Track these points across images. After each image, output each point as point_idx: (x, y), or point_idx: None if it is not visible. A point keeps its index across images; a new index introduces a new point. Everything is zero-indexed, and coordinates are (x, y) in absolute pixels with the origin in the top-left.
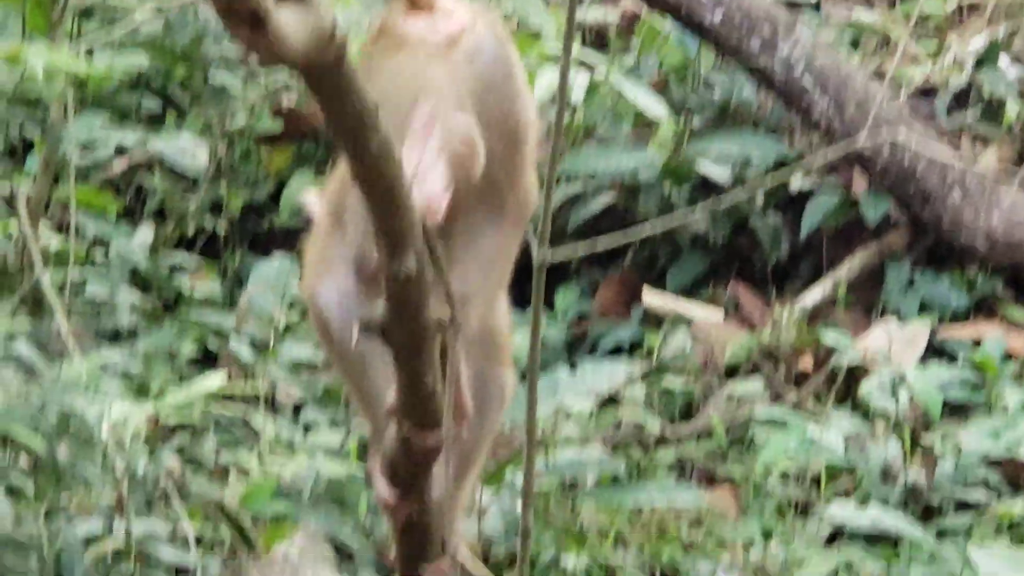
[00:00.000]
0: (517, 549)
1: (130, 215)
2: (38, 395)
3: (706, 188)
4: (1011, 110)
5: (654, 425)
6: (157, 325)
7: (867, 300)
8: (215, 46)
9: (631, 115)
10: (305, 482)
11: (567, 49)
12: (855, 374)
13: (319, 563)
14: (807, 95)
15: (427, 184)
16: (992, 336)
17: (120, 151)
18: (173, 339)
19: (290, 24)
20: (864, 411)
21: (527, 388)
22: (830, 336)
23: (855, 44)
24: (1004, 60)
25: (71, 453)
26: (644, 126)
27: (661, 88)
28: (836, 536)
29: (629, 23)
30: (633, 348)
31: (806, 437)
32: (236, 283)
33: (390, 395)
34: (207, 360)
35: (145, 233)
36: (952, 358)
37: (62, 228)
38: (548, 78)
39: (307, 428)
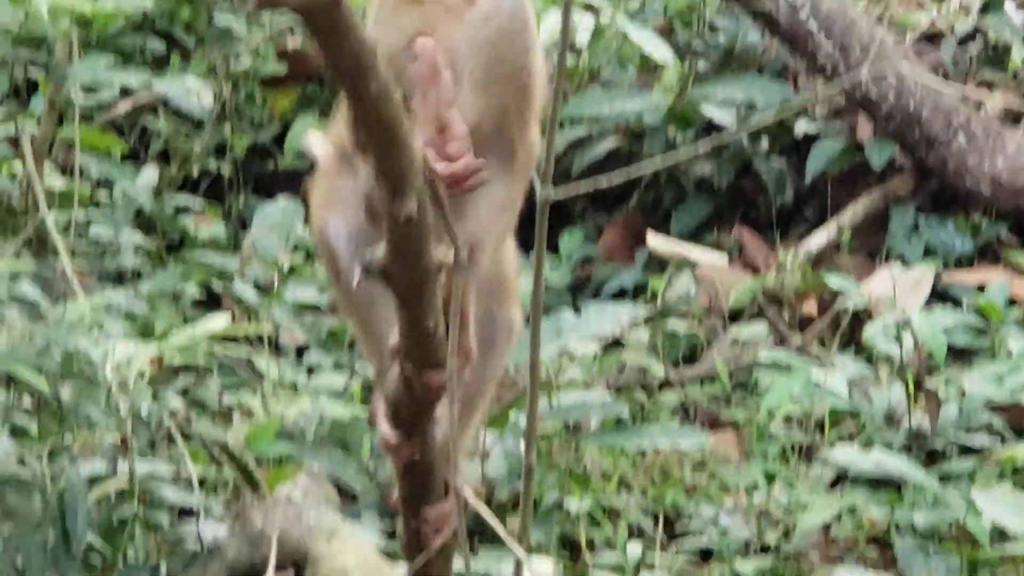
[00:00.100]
0: (520, 491)
1: (134, 157)
2: (42, 335)
3: (711, 132)
4: (1016, 55)
5: (658, 369)
6: (161, 267)
7: (871, 245)
8: None
9: (636, 59)
10: (309, 424)
11: None
12: (859, 318)
13: (322, 504)
14: (812, 39)
15: (449, 138)
16: (996, 281)
17: (124, 92)
18: (177, 281)
19: None
20: (868, 355)
21: (530, 330)
22: (835, 279)
23: None
24: (1010, 5)
25: (75, 393)
26: (649, 70)
27: (666, 32)
28: (839, 480)
29: None
30: (637, 292)
31: (810, 381)
32: (240, 225)
33: (393, 336)
34: (211, 302)
35: (149, 175)
36: (956, 303)
37: (66, 169)
38: (553, 21)
39: (311, 370)
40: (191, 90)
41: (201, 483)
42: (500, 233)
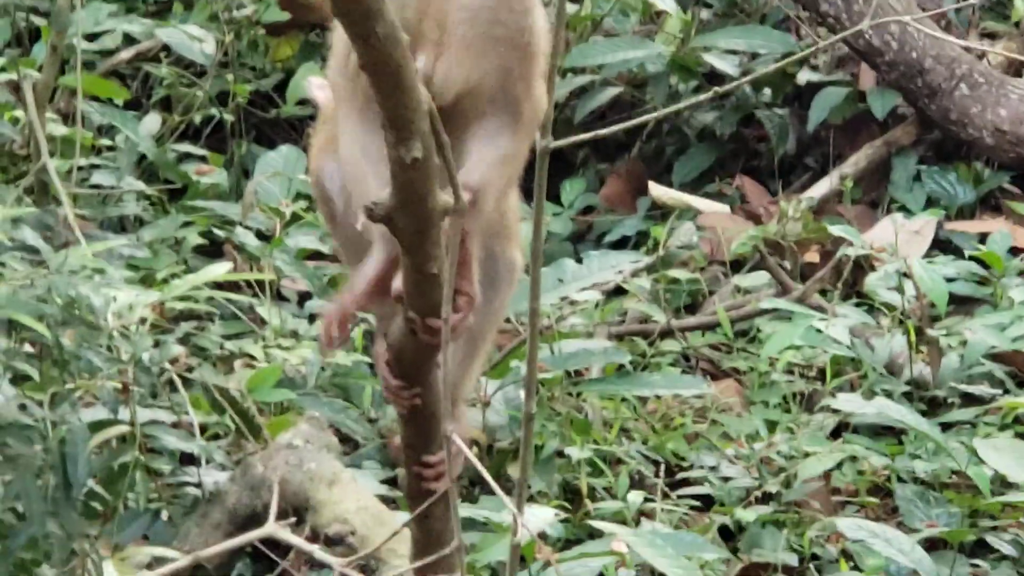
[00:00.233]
0: (520, 439)
1: (136, 104)
2: (43, 282)
3: (713, 81)
4: (1020, 5)
5: (659, 317)
6: (163, 214)
7: (873, 194)
8: None
9: (639, 7)
10: (310, 371)
11: None
12: (861, 267)
13: (323, 451)
14: None
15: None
16: (998, 231)
17: (127, 40)
18: (179, 228)
19: None
20: (869, 304)
21: (531, 278)
22: (837, 228)
23: None
24: None
25: (76, 340)
26: (652, 18)
27: None
28: (841, 429)
29: None
30: (639, 241)
31: (811, 330)
32: (242, 173)
33: (396, 281)
34: (213, 249)
35: (151, 122)
36: (958, 252)
37: (68, 117)
38: None
39: (312, 317)
40: (194, 38)
41: (202, 430)
42: (503, 183)
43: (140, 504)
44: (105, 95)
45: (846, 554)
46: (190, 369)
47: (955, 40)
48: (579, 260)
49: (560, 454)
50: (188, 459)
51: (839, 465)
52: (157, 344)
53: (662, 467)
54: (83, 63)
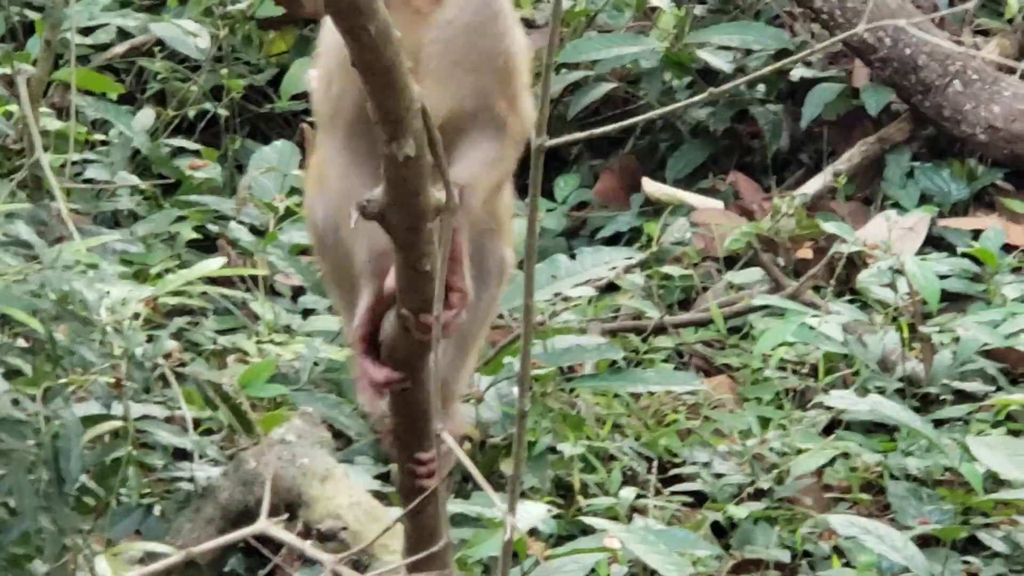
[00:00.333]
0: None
1: (131, 99)
2: (37, 277)
3: (707, 77)
4: (1013, 2)
5: (653, 313)
6: (157, 209)
7: (867, 191)
8: None
9: (633, 3)
10: (303, 366)
11: None
12: (854, 264)
13: (316, 447)
14: None
15: None
16: (991, 227)
17: (121, 34)
18: (172, 223)
19: None
20: (862, 301)
21: (524, 274)
22: (830, 225)
23: None
24: None
25: (69, 335)
26: (646, 15)
27: None
28: (833, 425)
29: None
30: (632, 237)
31: (804, 326)
32: (236, 168)
33: (389, 279)
34: (207, 244)
35: (145, 117)
36: (951, 249)
37: (62, 111)
38: None
39: (305, 313)
40: (188, 32)
41: (195, 425)
42: (490, 182)
43: (133, 499)
44: (99, 89)
45: (838, 551)
46: (183, 364)
47: (944, 43)
48: (572, 256)
49: (553, 450)
50: (181, 454)
51: (832, 462)
52: (150, 339)
53: (655, 463)
54: (77, 57)
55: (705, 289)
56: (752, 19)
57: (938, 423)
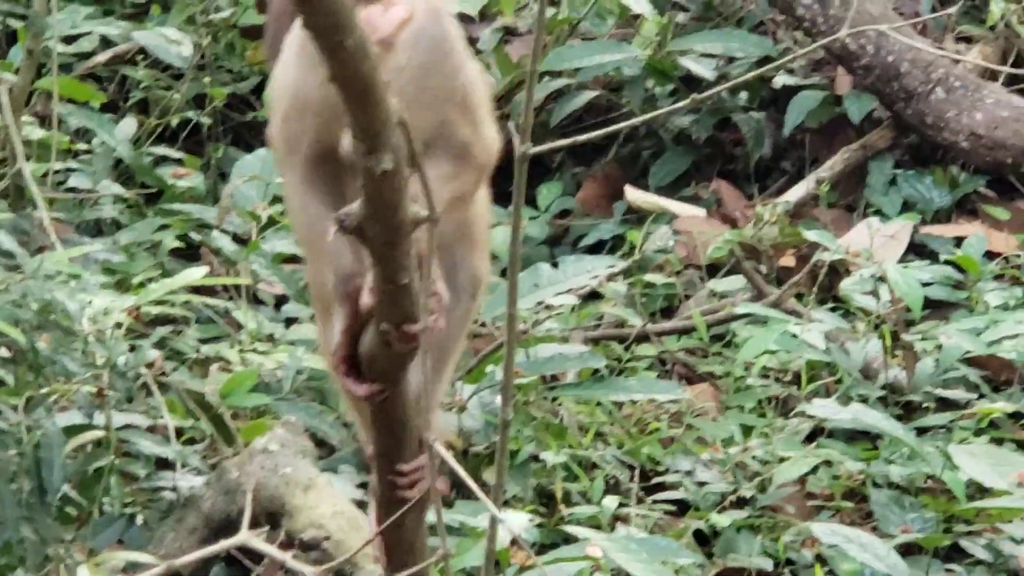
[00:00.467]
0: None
1: (113, 107)
2: (19, 286)
3: (690, 85)
4: (995, 9)
5: (635, 321)
6: (139, 217)
7: (849, 198)
8: None
9: (616, 11)
10: (286, 375)
11: None
12: (837, 272)
13: (299, 456)
14: None
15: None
16: (974, 235)
17: (104, 43)
18: (155, 231)
19: None
20: (845, 309)
21: (508, 282)
22: (813, 233)
23: None
24: None
25: (52, 345)
26: (628, 22)
27: None
28: (816, 433)
29: None
30: (615, 245)
31: (787, 334)
32: (219, 176)
33: (365, 296)
34: (189, 253)
35: (128, 125)
36: (934, 257)
37: (45, 120)
38: None
39: (288, 321)
40: (171, 40)
41: (178, 434)
42: (446, 195)
43: (115, 509)
44: (82, 98)
45: (821, 559)
46: (165, 373)
47: (927, 49)
48: (555, 264)
49: (535, 458)
50: (164, 464)
51: (814, 470)
52: (133, 348)
53: (637, 472)
54: (60, 66)
55: (688, 297)
56: (734, 27)
57: (921, 431)
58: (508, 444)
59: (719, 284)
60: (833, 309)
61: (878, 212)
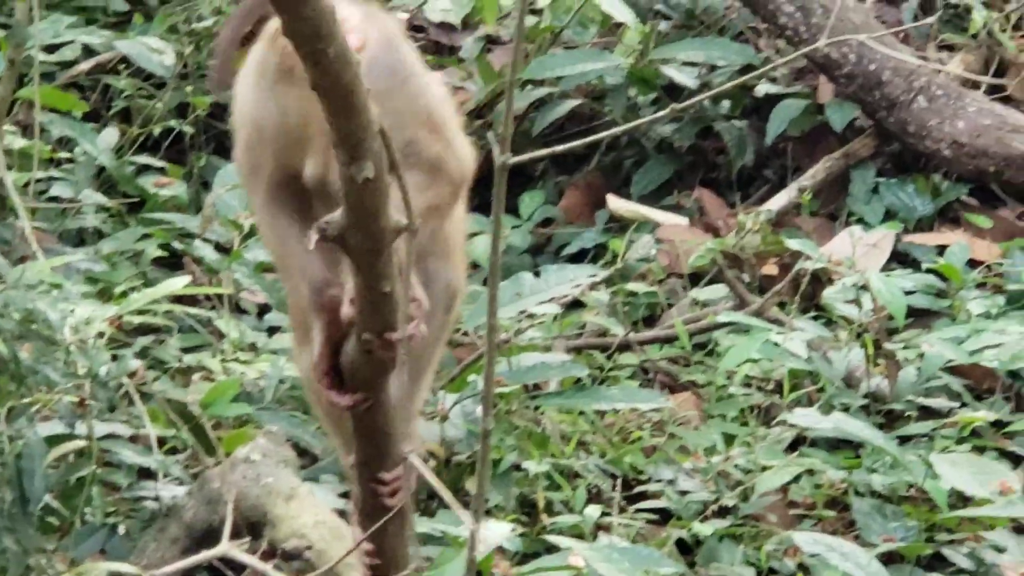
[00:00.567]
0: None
1: (95, 116)
2: (1, 296)
3: (672, 93)
4: (977, 17)
5: (617, 330)
6: (122, 226)
7: (832, 207)
8: None
9: (598, 19)
10: (268, 385)
11: None
12: (819, 280)
13: (281, 466)
14: (773, 0)
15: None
16: (956, 243)
17: (86, 52)
18: (138, 241)
19: None
20: (827, 318)
21: (488, 291)
22: (795, 241)
23: None
24: None
25: (33, 354)
26: (610, 31)
27: None
28: (798, 442)
29: None
30: (597, 253)
31: (769, 343)
32: (201, 185)
33: (346, 308)
34: (172, 262)
35: (110, 134)
36: (916, 265)
37: (27, 129)
38: None
39: (271, 330)
40: (153, 49)
41: (160, 444)
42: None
43: (97, 518)
44: (64, 107)
45: (803, 568)
46: (146, 383)
47: (909, 58)
48: (537, 273)
49: (517, 468)
50: (146, 473)
51: (796, 478)
52: (115, 358)
53: (619, 481)
54: (42, 75)
55: (670, 306)
56: (717, 35)
57: (903, 439)
58: (490, 453)
59: (701, 293)
60: (815, 318)
61: (860, 220)
